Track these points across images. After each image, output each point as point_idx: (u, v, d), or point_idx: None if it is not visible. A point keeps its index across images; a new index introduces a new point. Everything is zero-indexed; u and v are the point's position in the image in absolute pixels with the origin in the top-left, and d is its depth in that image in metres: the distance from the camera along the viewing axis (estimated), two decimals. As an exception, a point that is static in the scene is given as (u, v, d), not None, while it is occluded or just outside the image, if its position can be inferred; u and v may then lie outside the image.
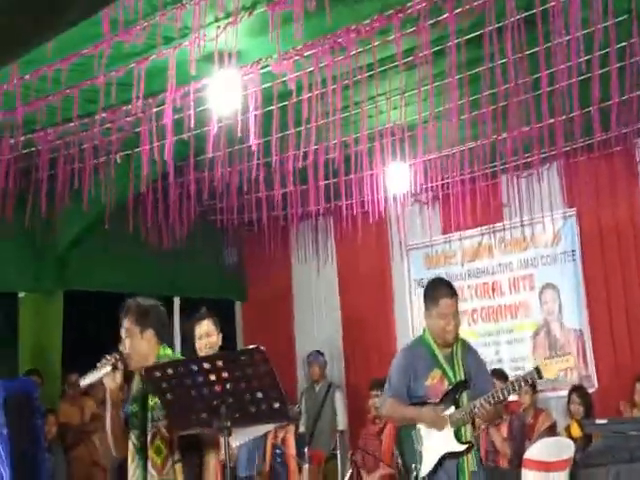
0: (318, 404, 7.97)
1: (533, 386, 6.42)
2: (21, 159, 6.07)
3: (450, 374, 4.05)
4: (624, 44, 4.87)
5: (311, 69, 4.98)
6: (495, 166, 7.04)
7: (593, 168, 7.18)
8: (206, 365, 2.93)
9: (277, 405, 2.92)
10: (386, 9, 4.65)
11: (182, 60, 4.72)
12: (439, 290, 4.16)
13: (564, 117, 5.76)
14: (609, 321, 7.21)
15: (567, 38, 4.87)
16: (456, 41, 4.72)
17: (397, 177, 6.94)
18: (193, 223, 7.34)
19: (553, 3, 4.50)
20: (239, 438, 4.37)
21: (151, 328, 3.52)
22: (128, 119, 5.59)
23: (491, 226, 7.81)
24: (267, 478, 6.17)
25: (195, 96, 5.11)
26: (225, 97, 4.99)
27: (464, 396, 4.01)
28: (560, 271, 7.55)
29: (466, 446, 3.97)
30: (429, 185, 7.19)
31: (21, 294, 7.28)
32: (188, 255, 8.15)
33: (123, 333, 3.53)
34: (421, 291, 8.17)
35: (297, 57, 4.95)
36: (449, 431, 3.97)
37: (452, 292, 4.15)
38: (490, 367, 5.15)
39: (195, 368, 2.94)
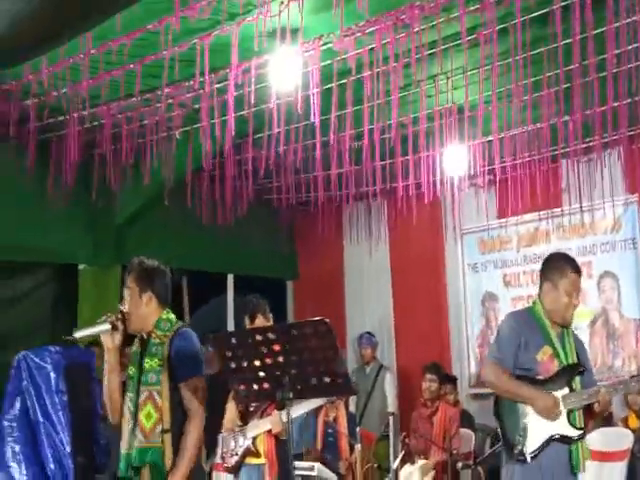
0: (369, 385, 7.97)
1: None
2: (85, 133, 6.17)
3: (562, 354, 3.74)
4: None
5: (372, 46, 4.94)
6: (556, 150, 6.91)
7: (657, 154, 7.02)
8: (271, 335, 2.94)
9: (340, 380, 2.91)
10: (451, -15, 4.59)
11: (244, 36, 4.73)
12: (569, 264, 3.82)
13: (629, 100, 5.61)
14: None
15: (634, 18, 4.74)
16: (521, 19, 4.63)
17: (454, 159, 6.86)
18: (248, 201, 7.38)
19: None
20: (293, 411, 4.38)
21: (151, 290, 3.43)
22: (189, 95, 5.62)
23: (549, 211, 7.65)
24: (319, 455, 6.22)
25: (256, 72, 5.12)
26: (286, 74, 4.99)
27: (577, 380, 3.73)
28: (619, 259, 7.38)
29: (581, 432, 3.68)
30: (486, 168, 7.09)
31: (81, 266, 7.43)
32: (242, 233, 8.19)
33: (125, 292, 3.47)
34: (474, 275, 8.29)
35: (359, 34, 4.91)
36: (562, 413, 3.68)
37: (579, 269, 3.85)
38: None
39: (260, 338, 2.94)
